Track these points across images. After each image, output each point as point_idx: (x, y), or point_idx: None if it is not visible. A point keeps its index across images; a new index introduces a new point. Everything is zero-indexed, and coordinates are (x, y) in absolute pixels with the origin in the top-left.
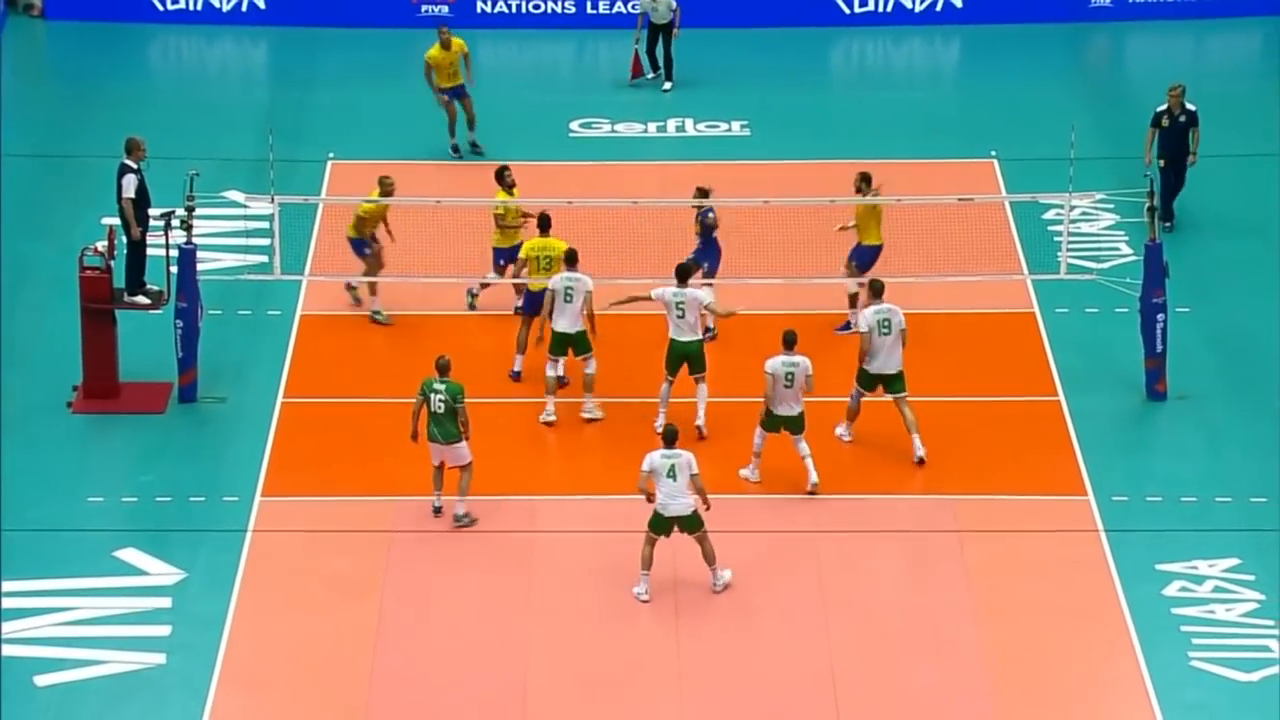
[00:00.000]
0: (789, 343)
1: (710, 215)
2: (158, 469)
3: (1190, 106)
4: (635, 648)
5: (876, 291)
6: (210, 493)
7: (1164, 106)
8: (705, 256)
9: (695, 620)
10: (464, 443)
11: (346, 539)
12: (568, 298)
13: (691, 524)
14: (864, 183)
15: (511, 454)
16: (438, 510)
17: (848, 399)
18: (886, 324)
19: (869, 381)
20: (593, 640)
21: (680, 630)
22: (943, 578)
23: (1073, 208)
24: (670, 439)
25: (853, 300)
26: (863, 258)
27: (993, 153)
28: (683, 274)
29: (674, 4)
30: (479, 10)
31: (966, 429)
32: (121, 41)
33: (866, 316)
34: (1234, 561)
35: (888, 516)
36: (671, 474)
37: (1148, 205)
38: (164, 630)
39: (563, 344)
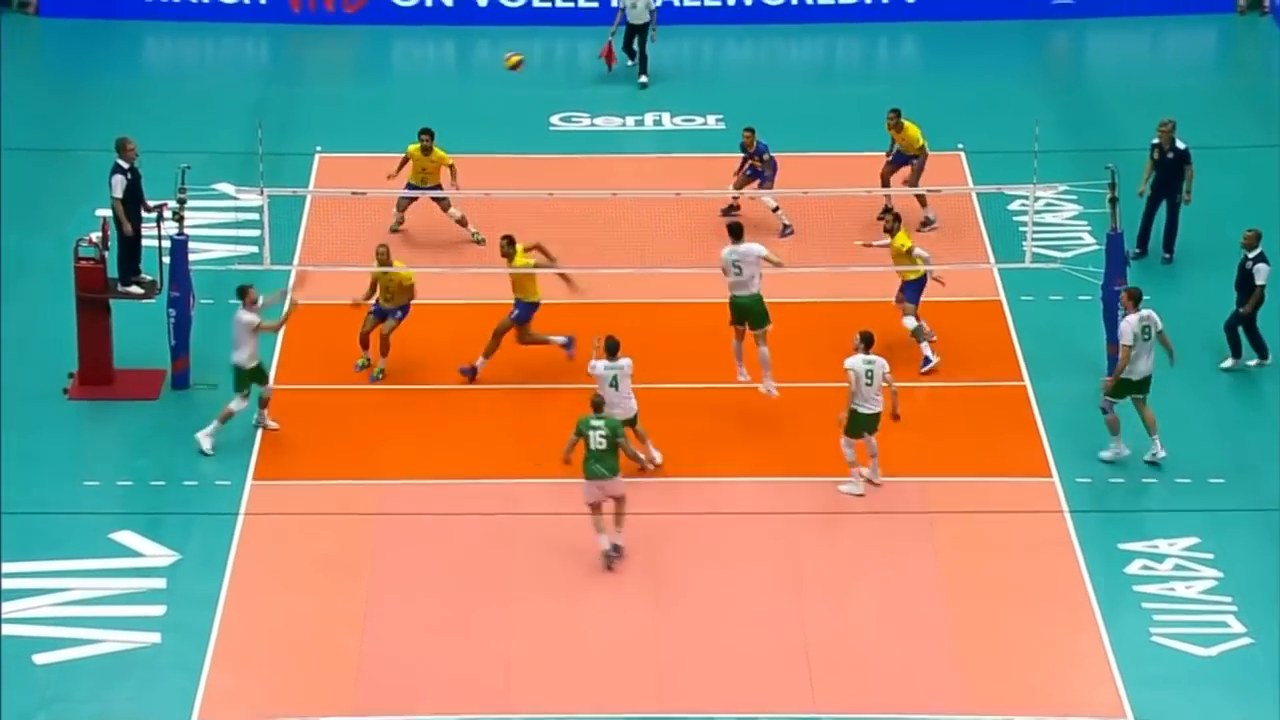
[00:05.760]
0: (868, 342)
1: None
2: (152, 453)
3: (1181, 144)
4: (616, 625)
5: (866, 342)
6: (203, 477)
7: (1156, 140)
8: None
9: (674, 598)
10: (620, 475)
11: (335, 521)
12: None
13: (629, 423)
14: (894, 220)
15: (490, 439)
16: (614, 551)
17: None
18: (870, 374)
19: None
20: (574, 618)
21: (659, 609)
22: (913, 557)
23: (1037, 199)
24: (613, 350)
25: (918, 335)
26: (915, 293)
27: (960, 146)
28: (736, 232)
29: (652, 4)
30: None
31: (936, 413)
32: (114, 38)
33: (854, 361)
34: (1193, 540)
35: (860, 498)
36: (614, 384)
37: (1109, 196)
38: (158, 610)
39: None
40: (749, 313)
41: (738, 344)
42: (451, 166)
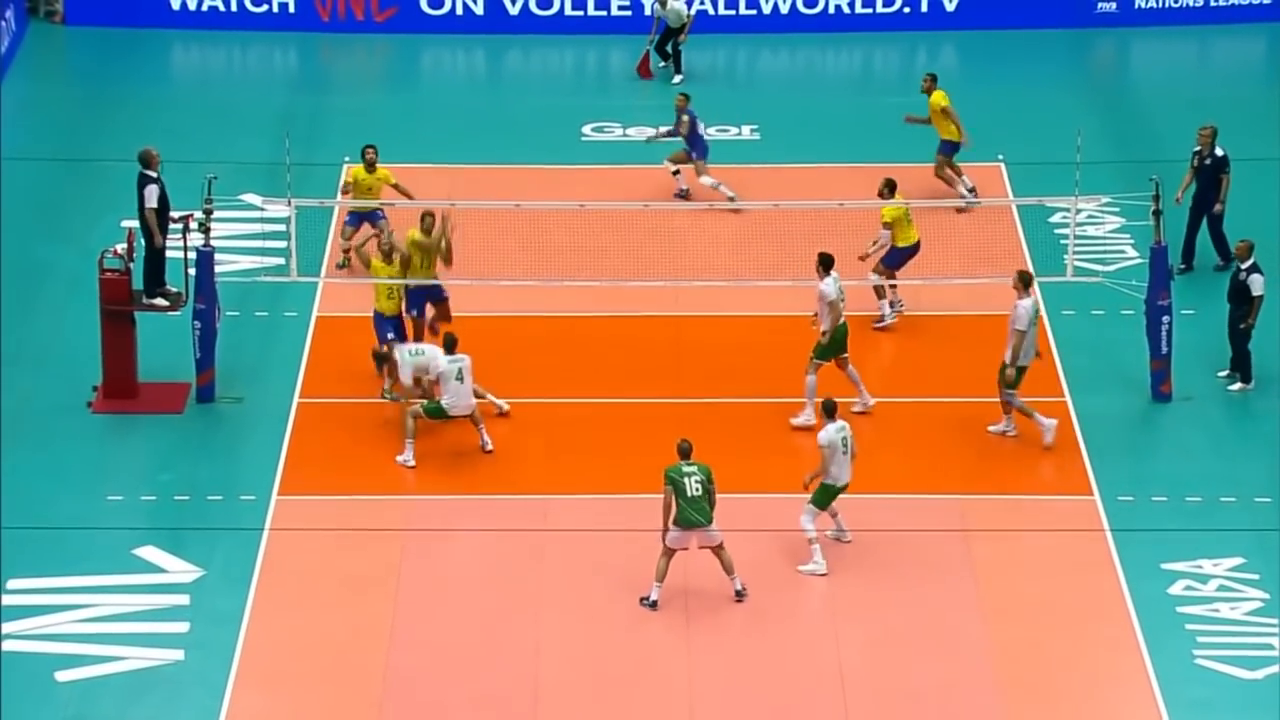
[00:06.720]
0: (831, 411)
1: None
2: (176, 468)
3: (1220, 151)
4: (646, 647)
5: (829, 411)
6: (228, 491)
7: (1196, 148)
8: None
9: (705, 620)
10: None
11: (362, 537)
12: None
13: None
14: (887, 188)
15: (524, 453)
16: (738, 596)
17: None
18: (846, 441)
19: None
20: (604, 639)
21: (690, 630)
22: (950, 577)
23: (1079, 211)
24: (450, 345)
25: (879, 292)
26: (895, 259)
27: (1000, 157)
28: (829, 262)
29: (686, 11)
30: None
31: (974, 429)
32: (141, 46)
33: (829, 433)
34: (1238, 561)
35: (895, 516)
36: (459, 377)
37: (1153, 209)
38: (182, 627)
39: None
40: (845, 339)
41: (813, 380)
42: (396, 185)
